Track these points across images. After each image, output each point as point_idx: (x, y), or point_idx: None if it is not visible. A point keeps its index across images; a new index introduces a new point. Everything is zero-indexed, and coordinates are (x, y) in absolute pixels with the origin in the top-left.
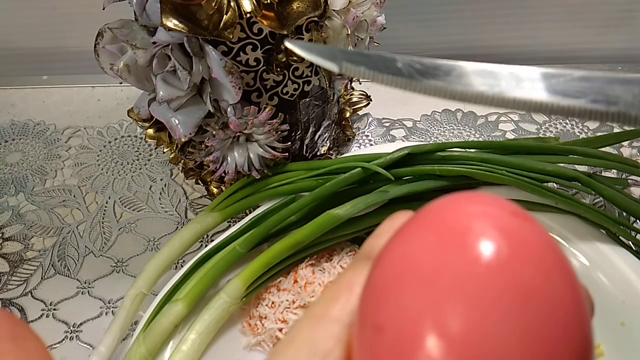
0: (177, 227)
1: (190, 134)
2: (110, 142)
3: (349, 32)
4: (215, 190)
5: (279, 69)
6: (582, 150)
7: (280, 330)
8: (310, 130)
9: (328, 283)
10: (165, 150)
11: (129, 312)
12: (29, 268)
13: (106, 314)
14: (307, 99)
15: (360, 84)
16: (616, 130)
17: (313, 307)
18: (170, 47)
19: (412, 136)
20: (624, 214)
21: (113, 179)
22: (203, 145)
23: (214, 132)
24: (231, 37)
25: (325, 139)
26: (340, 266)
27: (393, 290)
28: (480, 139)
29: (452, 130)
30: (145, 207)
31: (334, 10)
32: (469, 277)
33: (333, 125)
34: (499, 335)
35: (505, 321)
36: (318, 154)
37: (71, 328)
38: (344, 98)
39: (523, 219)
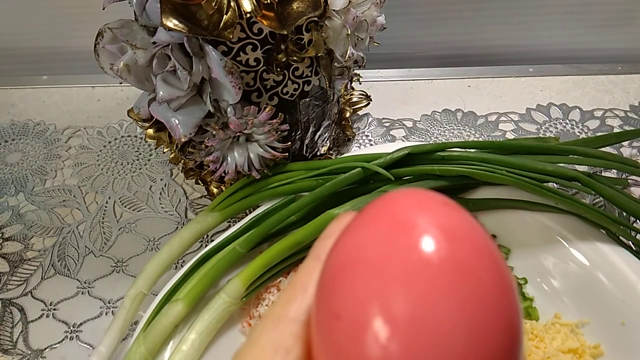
0: (177, 227)
1: (190, 134)
2: (110, 142)
3: (349, 32)
4: (215, 190)
5: (279, 69)
6: (582, 150)
7: None
8: (310, 130)
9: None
10: (165, 150)
11: (129, 312)
12: (29, 268)
13: (106, 314)
14: (307, 99)
15: (360, 83)
16: (616, 130)
17: (271, 309)
18: (170, 47)
19: (412, 136)
20: (624, 214)
21: (113, 179)
22: (203, 145)
23: (214, 132)
24: (231, 37)
25: (325, 139)
26: None
27: (346, 278)
28: (480, 139)
29: (452, 130)
30: (145, 207)
31: (334, 10)
32: (412, 262)
33: (333, 125)
34: (441, 312)
35: (446, 299)
36: (318, 154)
37: (71, 328)
38: (344, 98)
39: (454, 208)
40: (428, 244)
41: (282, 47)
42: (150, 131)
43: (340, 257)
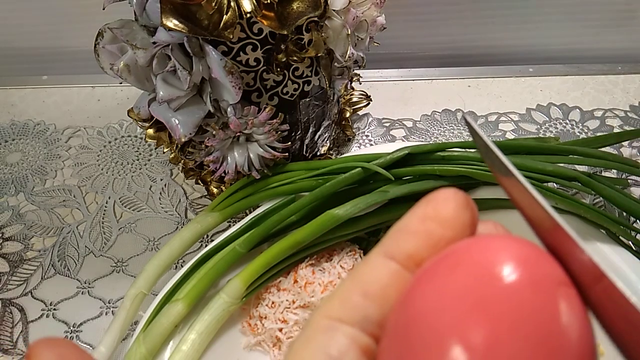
0: (177, 227)
1: (190, 134)
2: (110, 142)
3: (349, 32)
4: (215, 190)
5: (279, 69)
6: (582, 151)
7: (281, 330)
8: (310, 130)
9: (329, 283)
10: (165, 150)
11: (129, 312)
12: (29, 268)
13: (106, 314)
14: (307, 99)
15: (360, 83)
16: (616, 130)
17: (326, 304)
18: (170, 47)
19: (412, 136)
20: (624, 214)
21: (113, 179)
22: (203, 145)
23: (214, 132)
24: (231, 37)
25: (325, 139)
26: (341, 266)
27: (428, 318)
28: None
29: (452, 130)
30: (145, 207)
31: (334, 10)
32: (492, 301)
33: (333, 125)
34: (515, 350)
35: (521, 341)
36: (318, 154)
37: (71, 328)
38: (344, 98)
39: (540, 254)
40: (509, 287)
41: (282, 47)
42: (151, 131)
43: (418, 300)
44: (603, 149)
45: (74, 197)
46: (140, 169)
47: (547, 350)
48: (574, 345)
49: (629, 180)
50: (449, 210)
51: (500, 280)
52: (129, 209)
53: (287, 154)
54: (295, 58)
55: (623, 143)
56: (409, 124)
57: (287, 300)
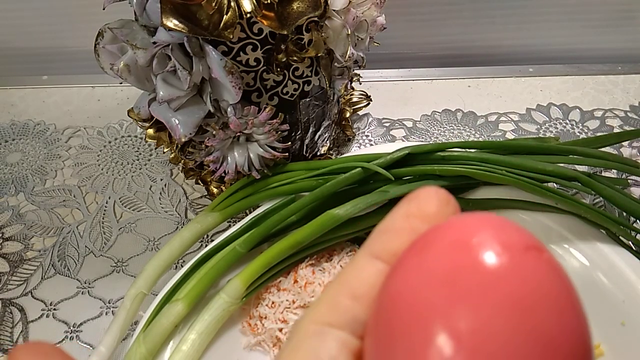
0: (177, 227)
1: (190, 134)
2: (110, 142)
3: (349, 32)
4: (215, 190)
5: (279, 69)
6: (582, 151)
7: (281, 330)
8: (311, 130)
9: (328, 283)
10: (165, 150)
11: (129, 312)
12: (29, 268)
13: (106, 314)
14: (307, 99)
15: (360, 83)
16: (616, 130)
17: (314, 309)
18: (170, 47)
19: (412, 136)
20: (624, 214)
21: (113, 179)
22: (203, 145)
23: (214, 132)
24: (231, 37)
25: (326, 139)
26: (341, 266)
27: (406, 298)
28: (480, 139)
29: (452, 130)
30: (145, 207)
31: (334, 10)
32: (478, 286)
33: (333, 125)
34: (504, 335)
35: (509, 325)
36: (318, 154)
37: (71, 328)
38: (344, 98)
39: (507, 223)
40: (493, 269)
41: (282, 47)
42: (151, 131)
43: (404, 276)
44: (603, 149)
45: (74, 197)
46: (140, 169)
47: (523, 307)
48: (552, 299)
49: (629, 181)
50: (432, 207)
51: (471, 250)
52: (129, 209)
53: (287, 154)
54: (295, 58)
55: (623, 143)
56: (409, 124)
57: (287, 300)
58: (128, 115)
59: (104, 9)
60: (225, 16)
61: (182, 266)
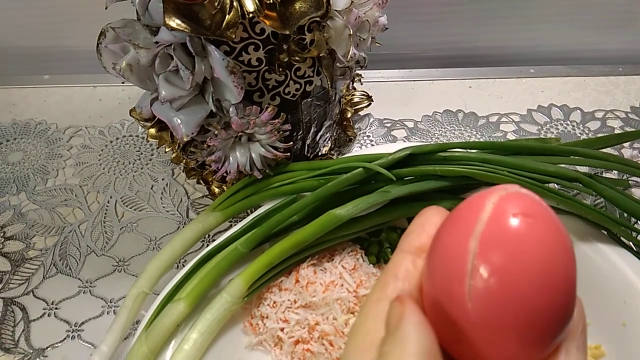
0: (179, 227)
1: (192, 133)
2: (111, 142)
3: (351, 33)
4: (216, 190)
5: (281, 69)
6: (583, 151)
7: (282, 329)
8: (312, 130)
9: (330, 282)
10: (167, 149)
11: (130, 312)
12: (31, 267)
13: (108, 313)
14: (309, 99)
15: (361, 84)
16: (617, 131)
17: (371, 295)
18: (172, 46)
19: (414, 137)
20: (625, 214)
21: (115, 178)
22: (205, 145)
23: (216, 132)
24: (233, 37)
25: (327, 139)
26: (342, 266)
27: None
28: (482, 140)
29: (453, 131)
30: (146, 207)
31: (336, 10)
32: (505, 239)
33: (334, 125)
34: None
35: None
36: (319, 154)
37: (73, 327)
38: (345, 98)
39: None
40: (519, 230)
41: (285, 47)
42: (152, 131)
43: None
44: (604, 150)
45: (76, 196)
46: (141, 169)
47: (530, 249)
48: (548, 247)
49: (629, 181)
50: (437, 218)
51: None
52: (131, 208)
53: (288, 154)
54: (297, 58)
55: (624, 144)
56: (410, 124)
57: (288, 300)
58: (130, 114)
59: (106, 9)
60: (227, 16)
61: (183, 266)
